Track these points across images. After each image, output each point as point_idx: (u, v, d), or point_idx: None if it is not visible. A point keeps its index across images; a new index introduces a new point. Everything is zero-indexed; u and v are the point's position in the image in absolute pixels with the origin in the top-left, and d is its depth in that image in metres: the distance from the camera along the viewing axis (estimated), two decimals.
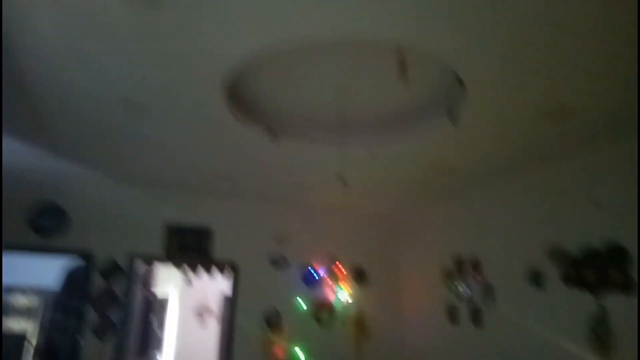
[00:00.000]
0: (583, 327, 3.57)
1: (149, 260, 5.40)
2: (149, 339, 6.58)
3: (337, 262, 6.05)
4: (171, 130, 3.76)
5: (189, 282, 6.42)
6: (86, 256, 5.02)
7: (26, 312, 6.67)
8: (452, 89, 3.21)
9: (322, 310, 5.87)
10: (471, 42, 2.42)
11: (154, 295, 6.61)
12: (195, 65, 2.79)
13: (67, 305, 5.02)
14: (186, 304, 8.49)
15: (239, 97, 3.52)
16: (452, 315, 5.24)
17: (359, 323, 5.91)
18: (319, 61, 3.06)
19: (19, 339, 6.46)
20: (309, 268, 5.96)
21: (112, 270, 5.05)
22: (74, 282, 5.12)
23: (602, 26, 2.24)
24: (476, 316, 4.85)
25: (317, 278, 5.95)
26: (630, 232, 3.31)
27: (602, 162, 3.64)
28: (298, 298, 5.80)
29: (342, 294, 5.96)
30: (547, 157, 3.94)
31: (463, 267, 5.14)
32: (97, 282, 4.98)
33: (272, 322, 5.58)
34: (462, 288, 5.14)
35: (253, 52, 2.61)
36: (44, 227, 4.90)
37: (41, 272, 6.18)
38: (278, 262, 5.83)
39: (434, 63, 2.90)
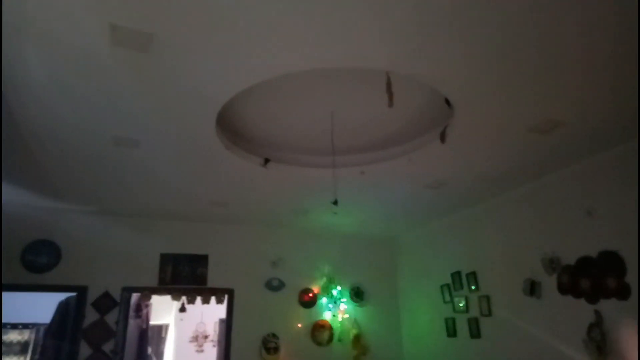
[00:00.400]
0: (580, 333, 3.61)
1: (144, 291, 5.34)
2: None
3: (333, 283, 6.05)
4: (163, 162, 3.77)
5: (184, 309, 6.34)
6: (79, 289, 4.96)
7: (19, 348, 6.53)
8: (440, 109, 3.27)
9: (320, 330, 5.84)
10: (458, 65, 2.48)
11: (149, 325, 6.52)
12: (185, 102, 2.81)
13: (59, 338, 4.93)
14: (182, 331, 8.37)
15: (230, 125, 3.54)
16: (450, 328, 5.25)
17: (357, 341, 5.89)
18: (309, 87, 3.10)
19: None
20: (306, 290, 5.94)
21: (105, 303, 4.99)
22: (66, 314, 5.04)
23: (590, 42, 2.31)
24: (473, 327, 4.88)
25: (314, 298, 5.93)
26: (624, 239, 3.38)
27: (593, 172, 3.72)
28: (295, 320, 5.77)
29: (340, 313, 5.94)
30: (539, 170, 4.01)
31: (461, 281, 5.17)
32: (90, 314, 4.91)
33: (269, 344, 5.53)
34: (459, 301, 5.16)
35: (241, 86, 2.65)
36: (38, 265, 4.84)
37: (35, 308, 6.07)
38: (274, 286, 5.81)
39: (422, 86, 2.97)
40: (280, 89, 3.10)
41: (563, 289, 3.84)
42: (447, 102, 3.01)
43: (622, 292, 3.33)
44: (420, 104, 3.32)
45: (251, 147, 3.89)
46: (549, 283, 4.01)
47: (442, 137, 3.44)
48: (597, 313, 3.50)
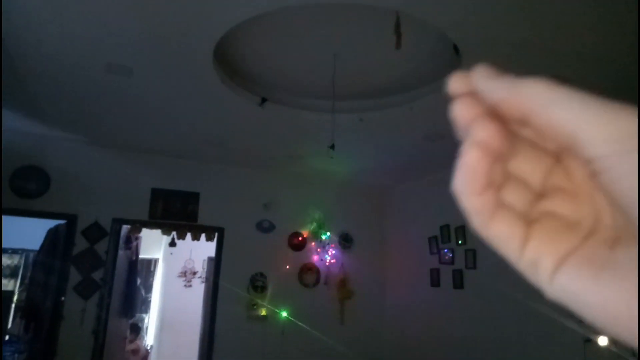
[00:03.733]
0: None
1: (134, 224, 5.36)
2: (134, 300, 6.62)
3: (323, 228, 6.12)
4: (156, 93, 3.65)
5: (174, 244, 6.42)
6: (69, 217, 4.96)
7: (9, 272, 6.64)
8: (447, 57, 3.15)
9: (307, 273, 5.97)
10: (468, 8, 2.36)
11: (138, 257, 6.60)
12: (182, 30, 2.67)
13: (49, 264, 4.99)
14: (171, 266, 8.53)
15: (228, 61, 3.40)
16: (434, 278, 5.39)
17: (343, 285, 6.04)
18: (312, 24, 2.96)
19: (3, 298, 6.47)
20: (295, 232, 6.01)
21: (95, 232, 5.02)
22: (56, 241, 5.08)
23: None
24: (457, 279, 5.01)
25: (302, 242, 6.02)
26: None
27: None
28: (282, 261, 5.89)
29: (327, 257, 6.06)
30: None
31: (449, 234, 5.25)
32: (80, 242, 4.95)
33: (257, 283, 5.66)
34: (446, 254, 5.27)
35: (243, 13, 2.51)
36: (26, 190, 4.80)
37: (24, 234, 6.10)
38: (265, 227, 5.86)
39: (430, 29, 2.84)
40: (281, 26, 2.95)
41: None
42: (455, 49, 2.90)
43: None
44: (426, 51, 3.19)
45: (248, 85, 3.76)
46: None
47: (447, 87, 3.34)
48: None
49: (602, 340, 3.20)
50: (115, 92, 3.64)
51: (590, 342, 3.36)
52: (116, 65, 3.15)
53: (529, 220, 0.26)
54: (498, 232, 0.26)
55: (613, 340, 3.12)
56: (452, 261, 5.17)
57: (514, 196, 0.27)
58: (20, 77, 3.39)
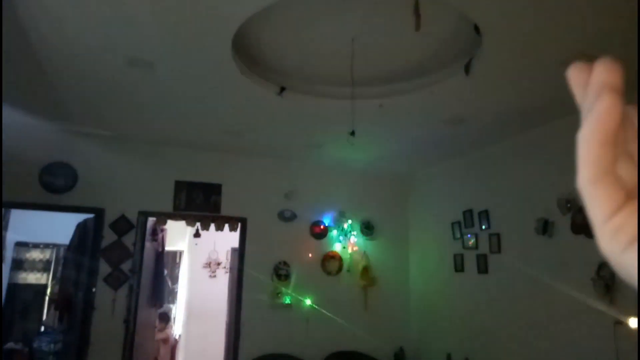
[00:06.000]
0: (589, 272, 3.64)
1: (159, 216, 5.47)
2: (161, 290, 6.79)
3: (344, 217, 6.13)
4: (177, 86, 3.69)
5: (198, 235, 6.53)
6: (97, 211, 5.09)
7: (42, 265, 6.87)
8: (467, 39, 3.10)
9: (330, 260, 6.00)
10: None
11: (164, 249, 6.75)
12: (200, 22, 2.69)
13: (79, 258, 5.15)
14: (196, 257, 8.68)
15: (247, 50, 3.42)
16: (458, 263, 5.36)
17: (366, 272, 6.06)
18: (329, 9, 2.94)
19: (37, 291, 6.71)
20: (317, 221, 6.04)
21: (122, 225, 5.14)
22: (85, 235, 5.23)
23: None
24: (481, 263, 4.97)
25: (324, 230, 6.04)
26: None
27: None
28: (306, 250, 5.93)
29: (350, 245, 6.07)
30: (562, 108, 3.86)
31: (472, 219, 5.20)
32: (108, 235, 5.08)
33: (281, 271, 5.72)
34: (469, 239, 5.22)
35: (261, 1, 2.51)
36: (55, 186, 4.93)
37: (54, 229, 6.30)
38: (286, 217, 5.90)
39: (450, 10, 2.79)
40: (298, 13, 2.94)
41: (576, 229, 3.84)
42: (476, 29, 2.84)
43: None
44: (446, 33, 3.14)
45: (267, 74, 3.77)
46: (563, 223, 4.00)
47: (467, 69, 3.29)
48: None
49: (633, 322, 3.14)
50: (136, 87, 3.70)
51: (621, 324, 3.30)
52: (137, 59, 3.20)
53: (628, 194, 0.29)
54: (603, 189, 0.29)
55: None
56: (476, 246, 5.12)
57: (624, 169, 0.30)
58: (45, 76, 3.47)
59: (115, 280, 5.01)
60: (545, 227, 4.15)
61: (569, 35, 2.74)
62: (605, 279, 3.49)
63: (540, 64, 3.10)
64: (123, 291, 5.03)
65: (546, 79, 3.31)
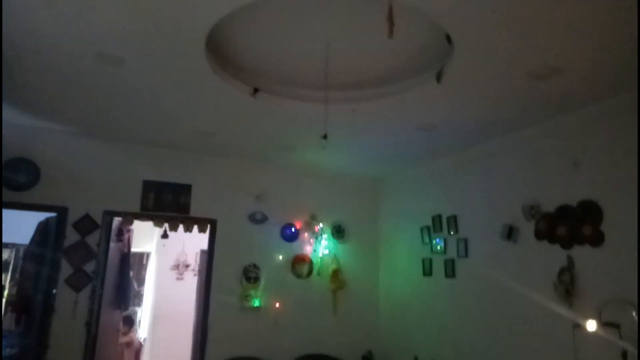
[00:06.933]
0: (551, 277, 3.76)
1: (125, 216, 5.33)
2: (127, 292, 6.60)
3: (315, 220, 6.13)
4: (148, 83, 3.61)
5: (166, 236, 6.40)
6: (60, 210, 4.92)
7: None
8: (439, 47, 3.16)
9: (300, 263, 5.99)
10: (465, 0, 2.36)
11: (130, 250, 6.57)
12: (173, 18, 2.64)
13: (39, 257, 4.95)
14: (164, 259, 8.50)
15: (221, 50, 3.38)
16: (427, 267, 5.44)
17: (336, 276, 6.07)
18: (305, 13, 2.94)
19: None
20: (288, 224, 6.02)
21: (86, 225, 4.98)
22: (47, 234, 5.03)
23: None
24: (449, 268, 5.06)
25: (295, 233, 6.02)
26: (605, 190, 3.46)
27: (582, 124, 3.72)
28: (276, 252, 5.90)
29: (320, 248, 6.08)
30: (530, 118, 3.97)
31: (441, 224, 5.29)
32: (71, 235, 4.92)
33: (250, 274, 5.67)
34: (438, 243, 5.31)
35: (236, 1, 2.49)
36: (16, 183, 4.74)
37: (13, 228, 6.03)
38: (257, 219, 5.85)
39: (423, 19, 2.84)
40: (274, 15, 2.93)
41: (540, 235, 3.96)
42: (448, 39, 2.90)
43: (596, 239, 3.45)
44: (419, 41, 3.20)
45: (241, 75, 3.74)
46: (527, 229, 4.12)
47: (439, 77, 3.36)
48: (569, 258, 3.64)
49: (591, 326, 3.26)
50: (106, 82, 3.60)
51: (579, 327, 3.42)
52: (107, 55, 3.11)
53: None
54: None
55: (601, 325, 3.18)
56: (444, 250, 5.22)
57: None
58: (8, 67, 3.34)
59: (77, 282, 4.85)
60: (510, 233, 4.27)
61: (538, 49, 2.83)
62: (566, 283, 3.61)
63: (510, 75, 3.19)
64: (85, 293, 4.87)
65: (515, 89, 3.41)
